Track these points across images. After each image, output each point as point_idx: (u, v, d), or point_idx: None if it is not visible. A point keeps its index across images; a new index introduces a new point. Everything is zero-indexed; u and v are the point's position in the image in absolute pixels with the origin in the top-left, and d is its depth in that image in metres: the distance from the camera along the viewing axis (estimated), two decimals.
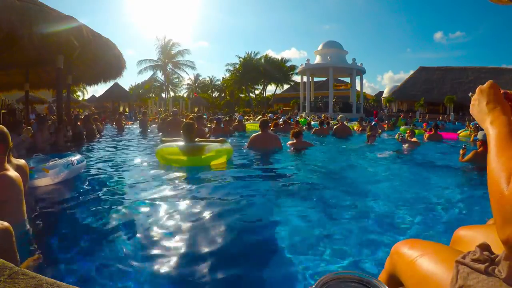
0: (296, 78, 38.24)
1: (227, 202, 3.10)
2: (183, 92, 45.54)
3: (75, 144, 7.47)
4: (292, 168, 4.90)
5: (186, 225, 2.46)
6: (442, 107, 31.37)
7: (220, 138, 5.31)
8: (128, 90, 31.76)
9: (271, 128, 10.54)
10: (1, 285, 0.93)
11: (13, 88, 12.24)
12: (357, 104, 29.18)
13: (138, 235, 2.30)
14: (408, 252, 1.03)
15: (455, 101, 28.75)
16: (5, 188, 1.90)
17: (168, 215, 2.65)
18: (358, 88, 30.87)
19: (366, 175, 4.58)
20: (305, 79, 30.89)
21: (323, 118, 14.11)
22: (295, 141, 6.15)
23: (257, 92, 43.48)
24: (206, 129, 8.78)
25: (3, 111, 13.99)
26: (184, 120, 9.26)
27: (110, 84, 17.52)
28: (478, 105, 0.88)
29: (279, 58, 39.58)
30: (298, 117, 20.07)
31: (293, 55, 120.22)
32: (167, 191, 3.41)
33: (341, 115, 13.81)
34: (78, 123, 8.94)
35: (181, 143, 4.64)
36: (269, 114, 18.17)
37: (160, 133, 9.82)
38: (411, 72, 36.43)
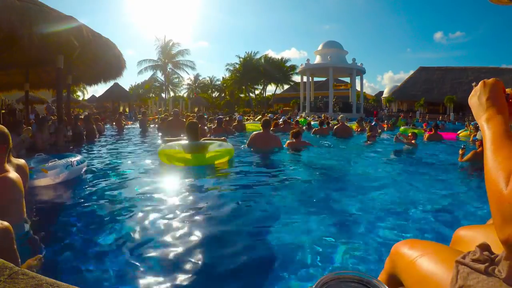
0: (296, 78, 38.27)
1: (227, 201, 3.10)
2: (183, 92, 45.61)
3: (75, 144, 7.47)
4: (292, 168, 4.91)
5: (186, 225, 2.46)
6: (442, 107, 31.36)
7: (222, 138, 5.32)
8: (128, 90, 31.75)
9: (271, 128, 10.55)
10: (1, 285, 0.93)
11: (13, 88, 12.24)
12: (357, 104, 29.18)
13: (138, 235, 2.30)
14: (408, 252, 1.03)
15: (455, 101, 28.75)
16: (6, 190, 1.90)
17: (169, 215, 2.65)
18: (358, 88, 30.87)
19: (365, 175, 4.58)
20: (305, 79, 30.88)
21: (323, 118, 14.10)
22: (294, 140, 6.15)
23: (257, 92, 43.53)
24: (206, 128, 8.79)
25: (3, 111, 14.01)
26: (184, 120, 9.27)
27: (110, 84, 17.51)
28: (478, 97, 0.87)
29: (279, 58, 39.62)
30: (298, 117, 20.08)
31: (293, 55, 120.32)
32: (167, 191, 3.42)
33: (341, 115, 13.81)
34: (78, 123, 8.93)
35: (186, 142, 4.65)
36: (269, 114, 18.17)
37: (160, 133, 9.82)
38: (411, 72, 36.46)
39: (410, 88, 33.65)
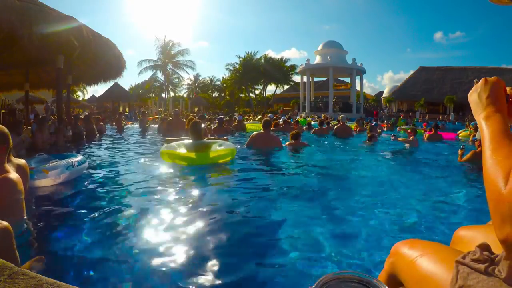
0: (296, 78, 38.26)
1: (227, 201, 3.10)
2: (183, 92, 45.62)
3: (75, 144, 7.47)
4: (292, 168, 4.91)
5: (187, 225, 2.46)
6: (442, 107, 31.37)
7: (224, 137, 5.33)
8: (128, 90, 31.75)
9: (271, 128, 10.56)
10: (1, 285, 0.93)
11: (13, 88, 12.24)
12: (357, 104, 29.20)
13: (138, 235, 2.30)
14: (408, 252, 1.03)
15: (455, 101, 28.75)
16: (7, 191, 1.90)
17: (169, 215, 2.65)
18: (358, 88, 30.89)
19: (365, 175, 4.58)
20: (305, 79, 30.90)
21: (323, 118, 14.10)
22: (293, 142, 6.17)
23: (257, 92, 43.52)
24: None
25: (3, 111, 14.02)
26: (184, 120, 9.27)
27: (110, 84, 17.50)
28: (478, 94, 0.87)
29: (279, 58, 39.58)
30: (298, 117, 20.09)
31: (293, 55, 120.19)
32: (168, 190, 3.41)
33: (342, 115, 13.82)
34: (78, 123, 8.93)
35: (190, 142, 4.65)
36: (269, 114, 18.17)
37: (160, 133, 9.82)
38: (411, 72, 36.47)
39: (410, 88, 33.65)
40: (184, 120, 9.33)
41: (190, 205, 2.92)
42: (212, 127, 9.55)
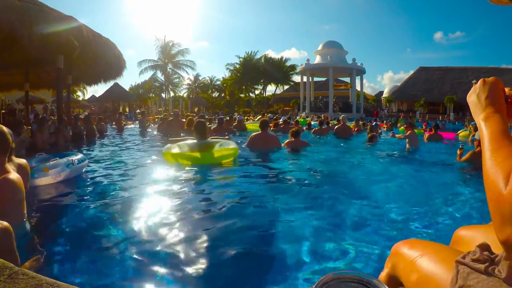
0: (296, 78, 38.24)
1: (227, 201, 3.10)
2: (183, 92, 45.61)
3: (75, 144, 7.47)
4: (292, 168, 4.91)
5: (186, 224, 2.46)
6: (442, 107, 31.37)
7: (226, 137, 5.34)
8: (128, 90, 31.75)
9: (271, 128, 10.55)
10: (1, 285, 0.93)
11: (13, 88, 12.25)
12: (357, 104, 29.21)
13: (139, 234, 2.30)
14: (408, 252, 1.03)
15: (455, 101, 28.75)
16: (7, 191, 1.89)
17: (169, 215, 2.65)
18: (358, 88, 30.90)
19: (365, 175, 4.58)
20: (305, 79, 30.91)
21: (323, 118, 14.11)
22: (293, 139, 6.15)
23: (257, 92, 43.50)
24: None
25: (3, 111, 14.02)
26: (184, 120, 9.27)
27: (110, 84, 17.50)
28: (477, 95, 0.87)
29: (279, 58, 39.54)
30: (298, 117, 20.09)
31: (293, 55, 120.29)
32: (168, 190, 3.41)
33: (342, 115, 13.83)
34: (79, 123, 8.94)
35: (194, 141, 4.65)
36: (269, 114, 18.18)
37: (161, 134, 9.82)
38: (411, 72, 36.48)
39: (410, 88, 33.66)
40: (184, 120, 9.33)
41: (190, 205, 2.92)
42: (212, 127, 9.55)
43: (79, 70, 9.40)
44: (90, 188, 3.64)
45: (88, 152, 6.50)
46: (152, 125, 13.81)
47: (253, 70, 37.66)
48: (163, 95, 36.56)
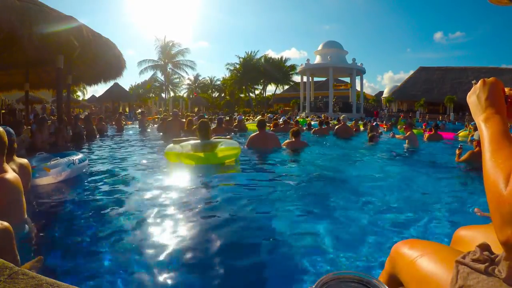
0: (296, 78, 38.24)
1: (227, 202, 3.10)
2: (183, 92, 45.60)
3: (75, 144, 7.47)
4: (292, 168, 4.90)
5: (187, 225, 2.46)
6: (442, 107, 31.37)
7: (227, 136, 5.34)
8: (128, 90, 31.74)
9: (271, 129, 10.54)
10: (1, 285, 0.93)
11: (13, 88, 12.25)
12: (357, 104, 29.20)
13: (140, 234, 2.30)
14: (408, 252, 1.03)
15: (455, 101, 28.75)
16: (4, 191, 1.88)
17: (170, 214, 2.65)
18: (358, 88, 30.89)
19: (365, 175, 4.58)
20: (305, 79, 30.90)
21: (323, 118, 14.10)
22: (293, 140, 6.14)
23: (257, 92, 43.49)
24: None
25: (3, 111, 14.01)
26: (183, 120, 9.28)
27: (110, 84, 17.50)
28: (477, 96, 0.87)
29: (279, 58, 39.53)
30: (298, 117, 20.08)
31: (293, 55, 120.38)
32: (168, 190, 3.41)
33: (343, 115, 13.82)
34: (79, 123, 8.93)
35: (198, 141, 4.65)
36: (269, 114, 18.17)
37: (161, 134, 9.83)
38: (411, 72, 36.49)
39: (410, 88, 33.66)
40: (184, 120, 9.33)
41: (190, 205, 2.92)
42: (211, 127, 9.54)
43: (79, 70, 9.40)
44: (90, 188, 3.64)
45: (88, 152, 6.50)
46: (152, 125, 13.81)
47: (253, 70, 37.66)
48: (163, 95, 36.54)
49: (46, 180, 3.45)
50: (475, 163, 4.67)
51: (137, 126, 13.32)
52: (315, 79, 35.46)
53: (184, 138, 5.07)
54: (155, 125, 12.79)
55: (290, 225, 2.53)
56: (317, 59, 29.38)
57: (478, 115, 0.84)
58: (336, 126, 10.11)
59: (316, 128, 10.47)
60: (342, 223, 2.57)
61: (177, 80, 40.64)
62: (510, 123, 0.86)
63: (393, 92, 35.18)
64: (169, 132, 8.83)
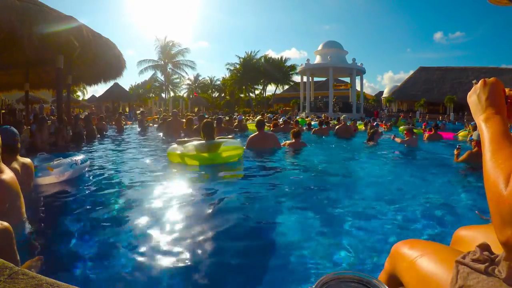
0: (296, 78, 38.22)
1: (227, 202, 3.10)
2: (183, 92, 45.59)
3: (75, 144, 7.47)
4: (292, 168, 4.90)
5: (188, 225, 2.46)
6: (442, 107, 31.38)
7: (229, 136, 5.34)
8: (128, 90, 31.74)
9: (271, 129, 10.54)
10: (1, 285, 0.93)
11: (13, 88, 12.24)
12: (357, 104, 29.20)
13: (140, 234, 2.30)
14: (408, 252, 1.03)
15: (455, 101, 28.76)
16: (0, 193, 1.87)
17: (170, 215, 2.65)
18: (358, 88, 30.89)
19: (365, 175, 4.58)
20: (305, 79, 30.90)
21: (323, 118, 14.10)
22: (293, 141, 6.15)
23: (257, 92, 43.48)
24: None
25: (3, 111, 14.01)
26: (183, 120, 9.27)
27: (110, 84, 17.49)
28: (478, 96, 0.87)
29: (279, 58, 39.50)
30: (298, 117, 20.08)
31: (293, 55, 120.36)
32: (169, 190, 3.41)
33: (344, 115, 13.81)
34: (79, 123, 8.93)
35: (203, 142, 4.66)
36: (268, 114, 18.17)
37: (161, 134, 9.83)
38: (411, 72, 36.50)
39: (410, 88, 33.66)
40: (184, 120, 9.33)
41: (191, 205, 2.93)
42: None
43: (79, 70, 9.40)
44: (91, 188, 3.64)
45: (89, 152, 6.50)
46: (152, 125, 13.81)
47: (253, 70, 37.64)
48: (163, 95, 36.55)
49: (48, 179, 3.46)
50: (473, 163, 4.67)
51: (137, 126, 13.32)
52: (315, 79, 35.47)
53: (188, 139, 5.07)
54: (155, 125, 12.79)
55: (290, 225, 2.53)
56: (317, 59, 29.38)
57: (479, 115, 0.84)
58: (337, 126, 10.11)
59: (316, 128, 10.47)
60: (341, 223, 2.57)
61: (177, 80, 40.67)
62: (510, 123, 0.86)
63: (393, 92, 35.18)
64: (169, 132, 8.83)
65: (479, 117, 0.84)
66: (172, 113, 10.46)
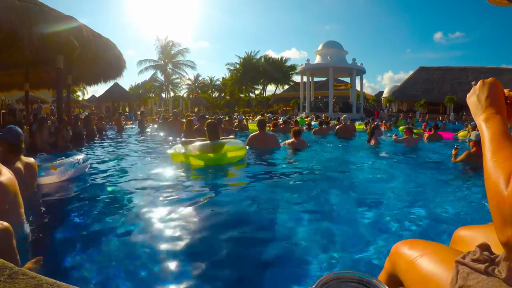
0: (296, 78, 38.23)
1: (227, 202, 3.10)
2: (183, 92, 45.60)
3: (74, 144, 7.47)
4: (293, 168, 4.90)
5: (188, 224, 2.46)
6: (442, 107, 31.38)
7: (231, 136, 5.35)
8: (128, 90, 31.74)
9: (271, 129, 10.55)
10: (1, 285, 0.93)
11: (13, 88, 12.24)
12: (357, 104, 29.20)
13: (140, 234, 2.30)
14: (408, 252, 1.03)
15: (455, 101, 28.76)
16: None
17: (170, 214, 2.65)
18: (358, 88, 30.88)
19: (365, 175, 4.58)
20: (305, 79, 30.90)
21: (323, 118, 14.11)
22: (294, 140, 6.14)
23: (257, 92, 43.48)
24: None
25: (3, 111, 14.00)
26: (183, 121, 9.27)
27: (110, 84, 17.50)
28: (477, 96, 0.87)
29: (279, 58, 39.49)
30: (298, 117, 20.08)
31: (293, 55, 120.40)
32: (169, 190, 3.41)
33: (344, 115, 13.81)
34: (79, 123, 8.93)
35: (207, 142, 4.67)
36: (268, 114, 18.17)
37: (161, 134, 9.83)
38: (411, 72, 36.49)
39: (410, 88, 33.66)
40: (184, 120, 9.33)
41: (191, 204, 2.92)
42: None
43: (79, 70, 9.40)
44: (91, 188, 3.64)
45: (89, 152, 6.50)
46: (152, 125, 13.81)
47: (253, 70, 37.63)
48: (163, 95, 36.56)
49: (49, 179, 3.47)
50: (472, 163, 4.68)
51: (137, 126, 13.32)
52: (315, 79, 35.46)
53: (194, 139, 5.07)
54: (155, 125, 12.79)
55: (290, 225, 2.53)
56: (317, 59, 29.37)
57: (479, 115, 0.85)
58: (337, 126, 10.11)
59: (316, 128, 10.48)
60: (342, 222, 2.58)
61: (177, 80, 40.68)
62: (510, 123, 0.86)
63: (393, 92, 35.17)
64: (169, 132, 8.83)
65: (479, 117, 0.84)
66: (172, 114, 10.47)
